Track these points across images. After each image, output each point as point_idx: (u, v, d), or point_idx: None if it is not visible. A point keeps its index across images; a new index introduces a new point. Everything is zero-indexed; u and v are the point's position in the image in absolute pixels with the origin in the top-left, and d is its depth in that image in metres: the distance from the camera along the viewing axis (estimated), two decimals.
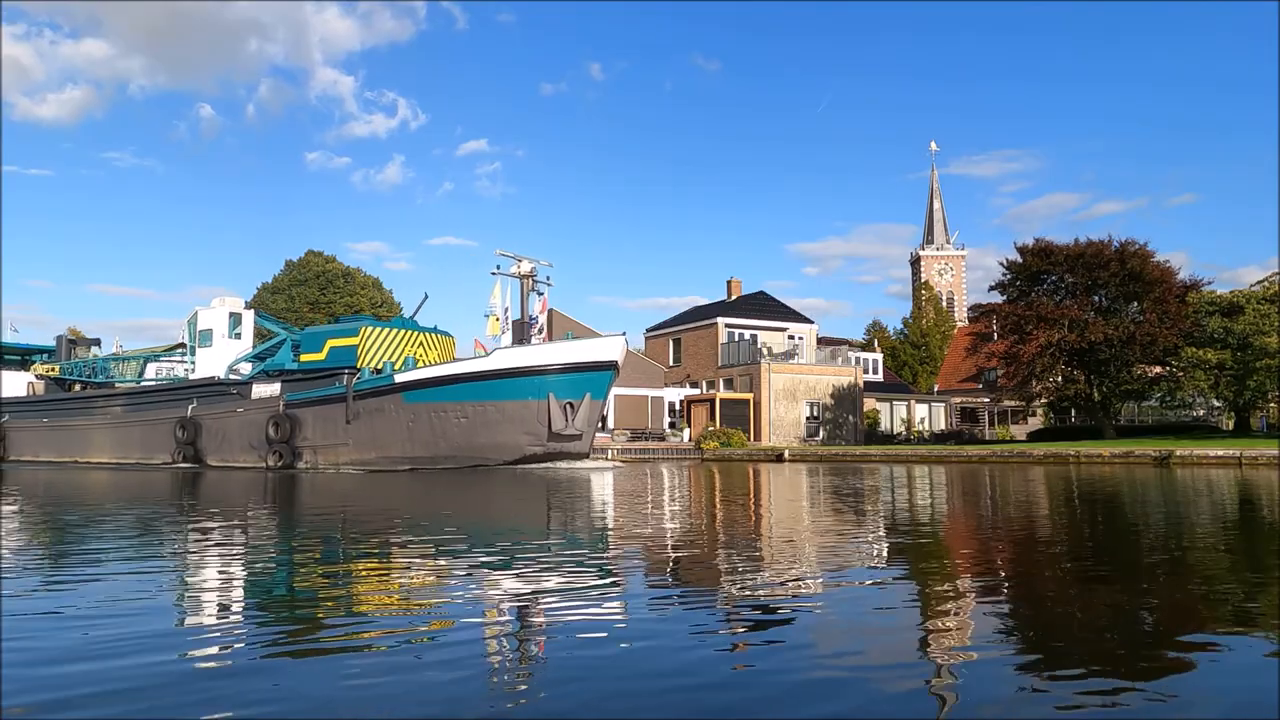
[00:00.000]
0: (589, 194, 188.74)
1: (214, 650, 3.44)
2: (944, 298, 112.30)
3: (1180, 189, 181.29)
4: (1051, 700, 2.76)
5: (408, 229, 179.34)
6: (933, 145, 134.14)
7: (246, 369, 30.27)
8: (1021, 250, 40.07)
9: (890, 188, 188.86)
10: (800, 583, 5.09)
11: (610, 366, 25.27)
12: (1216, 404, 44.51)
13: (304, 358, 28.03)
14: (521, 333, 27.48)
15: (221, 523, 8.95)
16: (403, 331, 27.73)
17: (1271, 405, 41.78)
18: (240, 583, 5.28)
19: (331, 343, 27.47)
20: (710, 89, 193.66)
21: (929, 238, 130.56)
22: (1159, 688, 2.92)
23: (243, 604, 4.62)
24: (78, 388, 36.57)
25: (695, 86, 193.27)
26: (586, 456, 25.67)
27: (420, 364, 26.94)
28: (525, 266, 27.68)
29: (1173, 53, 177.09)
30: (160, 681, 2.93)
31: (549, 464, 24.39)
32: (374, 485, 16.89)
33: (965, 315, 76.97)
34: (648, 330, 56.89)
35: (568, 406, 24.59)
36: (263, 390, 28.48)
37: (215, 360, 30.35)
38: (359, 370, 26.46)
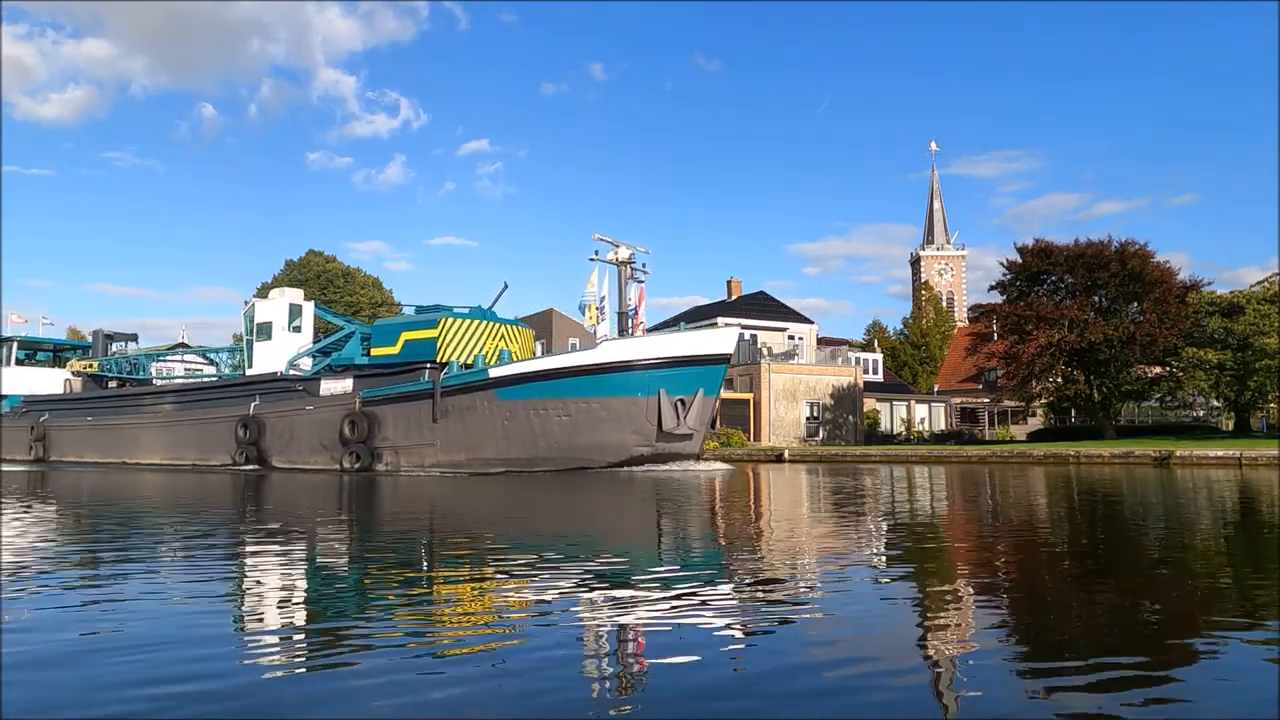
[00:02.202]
0: (590, 194, 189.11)
1: (281, 665, 3.32)
2: (944, 298, 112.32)
3: (1180, 189, 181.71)
4: (1055, 705, 2.78)
5: (408, 229, 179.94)
6: (933, 145, 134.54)
7: (307, 364, 28.51)
8: (1021, 250, 40.09)
9: (890, 188, 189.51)
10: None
11: (724, 360, 23.49)
12: (1216, 404, 44.51)
13: (375, 352, 26.07)
14: (624, 324, 25.79)
15: (336, 532, 8.34)
16: (485, 323, 25.61)
17: (1271, 405, 41.78)
18: (342, 592, 5.12)
19: (407, 335, 25.37)
20: (710, 89, 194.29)
21: (929, 238, 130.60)
22: (1159, 687, 2.94)
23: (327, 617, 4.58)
24: (113, 384, 34.82)
25: (695, 86, 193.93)
26: (698, 458, 23.82)
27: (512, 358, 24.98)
28: (623, 253, 25.64)
29: (1173, 52, 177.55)
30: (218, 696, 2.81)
31: (656, 466, 22.59)
32: (472, 489, 15.32)
33: (965, 315, 76.95)
34: (648, 330, 56.82)
35: (679, 403, 22.72)
36: (333, 386, 26.52)
37: (274, 355, 28.41)
38: (445, 364, 24.48)
